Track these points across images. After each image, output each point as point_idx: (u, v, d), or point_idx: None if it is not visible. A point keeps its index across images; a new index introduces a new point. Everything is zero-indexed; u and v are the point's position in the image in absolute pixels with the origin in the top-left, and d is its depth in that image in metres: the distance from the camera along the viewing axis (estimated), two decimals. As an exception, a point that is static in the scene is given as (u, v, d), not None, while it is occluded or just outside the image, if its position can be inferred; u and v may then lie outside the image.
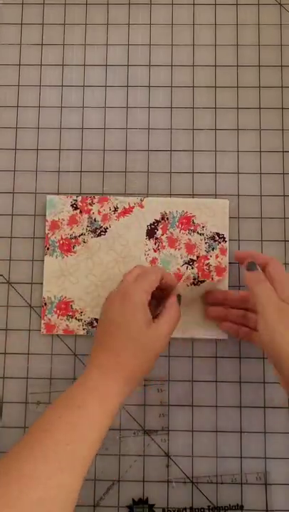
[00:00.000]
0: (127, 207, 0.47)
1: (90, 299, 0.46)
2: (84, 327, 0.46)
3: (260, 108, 0.49)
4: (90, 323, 0.46)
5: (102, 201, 0.47)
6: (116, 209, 0.47)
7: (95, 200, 0.47)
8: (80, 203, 0.47)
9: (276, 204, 0.47)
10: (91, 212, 0.47)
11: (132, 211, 0.47)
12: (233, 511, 0.44)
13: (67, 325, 0.46)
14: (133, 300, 0.37)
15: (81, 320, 0.46)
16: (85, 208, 0.47)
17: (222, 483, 0.44)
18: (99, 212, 0.47)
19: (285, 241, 0.47)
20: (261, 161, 0.48)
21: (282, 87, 0.49)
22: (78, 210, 0.47)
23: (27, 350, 0.46)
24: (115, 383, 0.36)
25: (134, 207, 0.47)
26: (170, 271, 0.46)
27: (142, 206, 0.47)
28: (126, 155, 0.48)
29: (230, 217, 0.47)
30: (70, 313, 0.46)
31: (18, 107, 0.49)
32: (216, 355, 0.46)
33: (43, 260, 0.47)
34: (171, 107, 0.49)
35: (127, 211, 0.47)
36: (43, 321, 0.46)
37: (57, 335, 0.46)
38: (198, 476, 0.44)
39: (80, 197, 0.47)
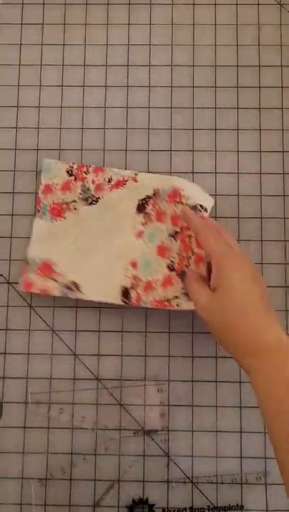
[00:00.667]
0: (121, 179, 0.47)
1: (72, 264, 0.46)
2: (61, 289, 0.45)
3: (260, 108, 0.49)
4: (67, 286, 0.45)
5: (97, 171, 0.47)
6: (110, 180, 0.47)
7: (91, 169, 0.47)
8: (75, 170, 0.47)
9: (276, 204, 0.47)
10: (85, 180, 0.47)
11: (125, 184, 0.47)
12: (233, 511, 0.44)
13: (45, 285, 0.45)
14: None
15: (60, 282, 0.46)
16: (80, 176, 0.47)
17: (222, 483, 0.44)
18: (93, 181, 0.47)
19: (285, 241, 0.47)
20: (261, 161, 0.48)
21: (282, 87, 0.49)
22: (73, 177, 0.47)
23: (27, 350, 0.46)
24: None
25: (128, 180, 0.47)
26: (154, 243, 0.46)
27: (135, 180, 0.47)
28: (126, 155, 0.48)
29: (230, 217, 0.47)
30: (51, 275, 0.46)
31: (18, 107, 0.49)
32: (216, 355, 0.46)
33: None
34: (171, 107, 0.49)
35: (120, 183, 0.47)
36: (21, 278, 0.46)
37: (58, 336, 0.46)
38: (198, 476, 0.44)
39: (76, 164, 0.47)
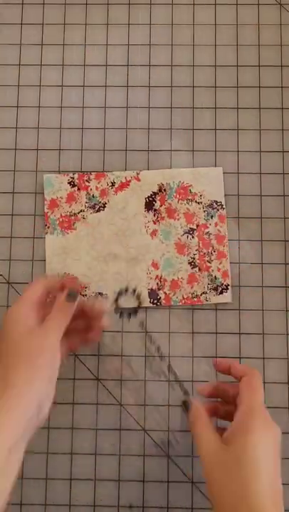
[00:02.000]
0: (124, 181, 0.47)
1: (92, 274, 0.46)
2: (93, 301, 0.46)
3: (260, 108, 0.49)
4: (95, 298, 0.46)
5: (98, 177, 0.47)
6: (113, 184, 0.47)
7: (92, 177, 0.47)
8: (77, 180, 0.47)
9: (276, 204, 0.47)
10: (89, 188, 0.47)
11: (129, 185, 0.47)
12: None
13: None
14: (8, 313, 0.35)
15: (86, 295, 0.46)
16: (83, 185, 0.47)
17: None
18: (96, 188, 0.47)
19: (285, 241, 0.47)
20: (261, 161, 0.48)
21: (282, 87, 0.49)
22: (76, 188, 0.47)
23: (27, 350, 0.46)
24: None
25: (130, 180, 0.47)
26: (171, 241, 0.46)
27: (138, 179, 0.47)
28: (126, 155, 0.48)
29: (230, 217, 0.47)
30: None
31: (18, 107, 0.49)
32: (216, 355, 0.46)
33: (44, 260, 0.47)
34: (171, 107, 0.49)
35: (124, 185, 0.47)
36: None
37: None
38: (198, 477, 0.44)
39: (77, 174, 0.47)
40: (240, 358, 0.46)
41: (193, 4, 0.50)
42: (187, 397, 0.38)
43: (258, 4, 0.50)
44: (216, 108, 0.49)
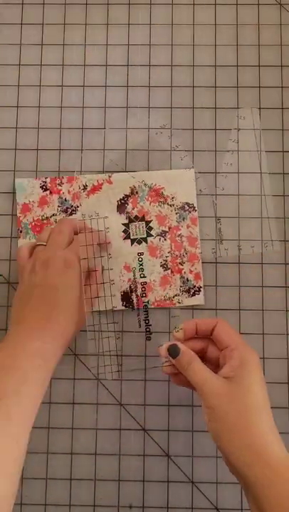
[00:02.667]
0: (96, 184, 0.47)
1: None
2: None
3: (260, 108, 0.49)
4: None
5: (70, 180, 0.47)
6: (85, 187, 0.47)
7: (64, 180, 0.47)
8: (49, 184, 0.47)
9: (276, 204, 0.47)
10: (61, 192, 0.47)
11: (101, 188, 0.47)
12: (233, 511, 0.44)
13: None
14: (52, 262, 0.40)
15: None
16: (55, 189, 0.47)
17: (222, 483, 0.44)
18: (68, 191, 0.47)
19: (285, 241, 0.47)
20: (261, 161, 0.48)
21: (282, 87, 0.49)
22: (48, 191, 0.47)
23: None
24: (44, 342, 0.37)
25: (102, 183, 0.47)
26: (143, 245, 0.46)
27: (110, 182, 0.47)
28: (126, 155, 0.48)
29: (230, 217, 0.47)
30: None
31: (18, 107, 0.49)
32: (216, 355, 0.46)
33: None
34: (171, 107, 0.49)
35: (96, 188, 0.47)
36: None
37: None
38: (198, 477, 0.44)
39: (49, 178, 0.47)
40: (240, 358, 0.46)
41: (193, 4, 0.50)
42: (172, 343, 0.37)
43: (258, 4, 0.50)
44: (216, 108, 0.49)
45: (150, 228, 0.47)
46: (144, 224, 0.47)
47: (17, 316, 0.39)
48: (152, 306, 0.46)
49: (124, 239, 0.47)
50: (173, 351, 0.37)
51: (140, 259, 0.46)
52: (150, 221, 0.47)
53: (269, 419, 0.34)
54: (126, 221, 0.47)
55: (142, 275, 0.46)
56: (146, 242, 0.47)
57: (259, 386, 0.35)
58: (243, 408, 0.33)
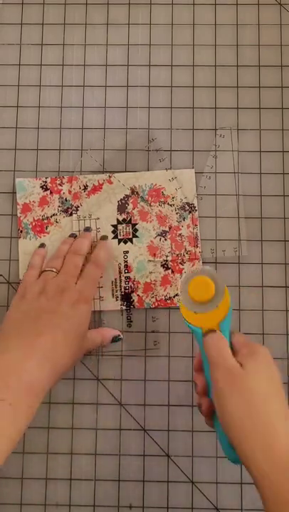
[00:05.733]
0: (97, 184, 0.47)
1: None
2: None
3: (260, 108, 0.49)
4: None
5: (71, 180, 0.47)
6: (86, 187, 0.47)
7: (64, 180, 0.47)
8: (49, 184, 0.47)
9: (276, 204, 0.47)
10: (61, 192, 0.47)
11: (101, 188, 0.47)
12: (233, 511, 0.44)
13: None
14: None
15: None
16: (55, 189, 0.47)
17: (222, 483, 0.44)
18: (69, 191, 0.47)
19: (285, 241, 0.47)
20: (261, 161, 0.48)
21: (282, 87, 0.49)
22: (48, 191, 0.47)
23: (27, 350, 0.46)
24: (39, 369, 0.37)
25: (103, 184, 0.47)
26: (143, 244, 0.46)
27: (110, 182, 0.47)
28: (126, 155, 0.48)
29: (230, 217, 0.47)
30: None
31: (18, 107, 0.49)
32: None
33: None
34: (171, 107, 0.49)
35: (96, 188, 0.47)
36: None
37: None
38: (198, 477, 0.44)
39: (49, 178, 0.47)
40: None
41: (193, 4, 0.50)
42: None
43: (258, 4, 0.50)
44: (216, 108, 0.49)
45: (136, 230, 0.47)
46: (131, 226, 0.47)
47: (16, 332, 0.39)
48: (153, 306, 0.46)
49: (112, 238, 0.47)
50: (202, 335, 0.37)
51: (141, 260, 0.46)
52: (136, 223, 0.47)
53: (278, 410, 0.33)
54: (127, 221, 0.47)
55: (143, 275, 0.46)
56: (131, 242, 0.47)
57: (265, 375, 0.34)
58: (251, 393, 0.33)
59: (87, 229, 0.46)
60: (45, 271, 0.43)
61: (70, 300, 0.40)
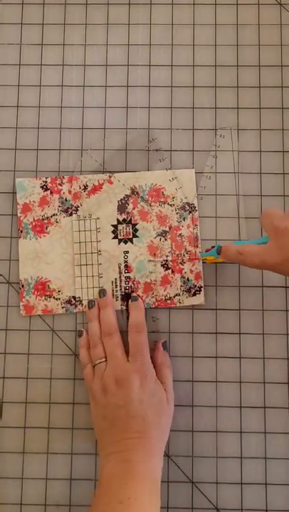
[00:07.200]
0: (97, 184, 0.47)
1: (66, 277, 0.46)
2: (62, 305, 0.46)
3: (260, 108, 0.49)
4: (68, 302, 0.46)
5: (71, 180, 0.47)
6: (86, 187, 0.47)
7: (65, 180, 0.47)
8: (49, 184, 0.47)
9: (276, 204, 0.47)
10: (61, 192, 0.47)
11: (101, 188, 0.47)
12: (233, 511, 0.44)
13: (45, 305, 0.46)
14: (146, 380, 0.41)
15: (59, 299, 0.46)
16: (55, 189, 0.47)
17: (222, 483, 0.44)
18: (69, 191, 0.47)
19: (285, 241, 0.47)
20: (261, 161, 0.48)
21: (282, 87, 0.49)
22: (49, 191, 0.47)
23: (27, 350, 0.46)
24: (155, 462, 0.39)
25: (103, 183, 0.47)
26: (143, 244, 0.46)
27: (111, 182, 0.47)
28: (126, 155, 0.48)
29: (230, 217, 0.47)
30: (48, 293, 0.46)
31: (18, 107, 0.49)
32: (217, 355, 0.46)
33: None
34: (171, 107, 0.49)
35: (96, 188, 0.47)
36: (21, 303, 0.46)
37: (58, 336, 0.46)
38: (198, 477, 0.44)
39: (49, 178, 0.47)
40: (240, 358, 0.46)
41: (193, 4, 0.50)
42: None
43: (258, 4, 0.50)
44: (216, 108, 0.49)
45: (136, 230, 0.47)
46: (131, 226, 0.47)
47: (110, 439, 0.40)
48: (153, 306, 0.46)
49: (113, 238, 0.47)
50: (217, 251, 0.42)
51: (141, 259, 0.46)
52: (136, 223, 0.47)
53: None
54: (127, 221, 0.47)
55: (143, 275, 0.46)
56: (131, 242, 0.47)
57: None
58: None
59: (103, 292, 0.45)
60: (96, 365, 0.43)
61: (133, 384, 0.41)
